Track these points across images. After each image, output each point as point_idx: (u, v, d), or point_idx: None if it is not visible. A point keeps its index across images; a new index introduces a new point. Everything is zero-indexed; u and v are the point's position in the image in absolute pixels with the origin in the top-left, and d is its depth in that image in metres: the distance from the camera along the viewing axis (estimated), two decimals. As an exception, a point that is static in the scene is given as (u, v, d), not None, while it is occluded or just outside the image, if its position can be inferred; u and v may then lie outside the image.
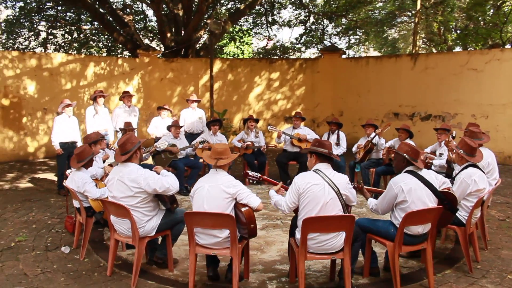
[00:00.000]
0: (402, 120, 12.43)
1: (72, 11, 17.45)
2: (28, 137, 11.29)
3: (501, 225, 6.21)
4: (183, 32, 14.40)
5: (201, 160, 8.49)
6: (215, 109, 12.81)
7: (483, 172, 4.80)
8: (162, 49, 14.33)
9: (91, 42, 19.23)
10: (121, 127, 8.04)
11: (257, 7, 20.13)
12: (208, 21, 14.30)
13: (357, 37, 24.58)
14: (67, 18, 17.98)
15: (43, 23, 18.53)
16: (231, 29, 22.24)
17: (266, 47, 23.29)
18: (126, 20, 16.09)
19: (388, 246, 4.08)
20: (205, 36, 15.43)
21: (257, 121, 9.31)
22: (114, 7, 16.06)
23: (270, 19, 21.04)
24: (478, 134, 5.51)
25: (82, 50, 19.43)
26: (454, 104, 11.42)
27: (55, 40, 19.17)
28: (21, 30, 17.87)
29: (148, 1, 14.85)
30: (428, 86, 11.89)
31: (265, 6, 20.05)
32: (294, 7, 21.11)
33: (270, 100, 13.94)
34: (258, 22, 22.07)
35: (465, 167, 4.74)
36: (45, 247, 5.32)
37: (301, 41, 22.25)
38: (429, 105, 11.93)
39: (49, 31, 18.55)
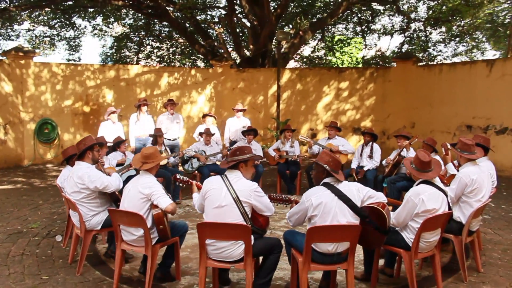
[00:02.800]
0: (475, 133, 11.26)
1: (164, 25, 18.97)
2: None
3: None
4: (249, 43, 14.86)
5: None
6: (283, 118, 13.00)
7: (443, 191, 4.27)
8: (237, 59, 14.96)
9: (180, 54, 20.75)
10: (151, 133, 8.66)
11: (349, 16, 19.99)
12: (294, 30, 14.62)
13: (466, 43, 22.67)
14: (163, 32, 19.59)
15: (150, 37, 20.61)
16: (328, 39, 22.25)
17: (365, 57, 22.72)
18: (216, 32, 17.12)
19: (299, 262, 3.91)
20: (284, 46, 15.64)
21: (293, 131, 9.31)
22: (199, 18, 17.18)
23: (364, 28, 20.53)
24: (471, 147, 4.91)
25: (181, 62, 21.12)
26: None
27: (159, 53, 21.14)
28: (129, 45, 20.08)
29: (223, 15, 15.61)
30: (505, 95, 10.63)
31: (358, 14, 19.67)
32: (390, 15, 20.28)
33: (338, 110, 13.67)
34: (357, 31, 21.68)
35: (418, 184, 4.33)
36: (45, 235, 6.08)
37: (402, 50, 21.23)
38: (505, 117, 10.66)
39: (153, 45, 20.57)
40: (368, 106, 13.50)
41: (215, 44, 16.00)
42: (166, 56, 21.20)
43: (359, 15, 19.75)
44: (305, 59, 23.27)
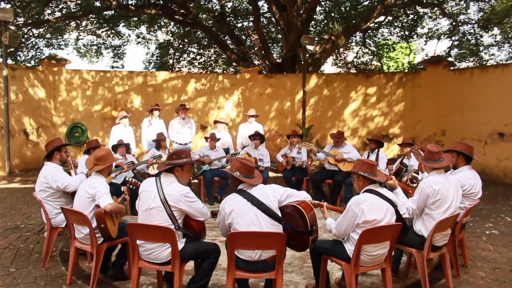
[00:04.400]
0: (508, 142, 10.54)
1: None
2: (132, 144, 13.18)
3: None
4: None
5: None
6: (309, 124, 12.83)
7: (390, 201, 4.02)
8: (265, 65, 14.98)
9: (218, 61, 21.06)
10: (153, 138, 8.84)
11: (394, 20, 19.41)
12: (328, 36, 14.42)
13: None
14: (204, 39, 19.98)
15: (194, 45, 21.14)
16: (372, 44, 21.72)
17: (411, 62, 21.94)
18: (253, 38, 17.27)
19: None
20: (316, 51, 15.46)
21: (301, 137, 9.19)
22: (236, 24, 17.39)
23: (408, 32, 19.83)
24: (435, 155, 4.60)
25: (223, 69, 21.48)
26: None
27: (201, 59, 21.64)
28: (172, 52, 20.69)
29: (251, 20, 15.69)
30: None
31: (400, 18, 19.03)
32: (435, 18, 19.45)
33: (366, 117, 13.29)
34: (403, 35, 20.98)
35: (363, 192, 4.13)
36: (37, 231, 6.42)
37: (451, 55, 20.29)
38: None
39: (195, 52, 21.09)
40: (396, 112, 13.02)
41: (247, 50, 16.12)
42: (208, 63, 21.65)
43: (402, 19, 19.11)
44: (349, 65, 22.88)
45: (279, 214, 3.81)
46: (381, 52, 22.68)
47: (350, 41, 22.08)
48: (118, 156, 7.81)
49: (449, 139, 12.15)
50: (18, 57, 16.97)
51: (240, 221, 3.73)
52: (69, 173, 5.29)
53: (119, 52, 19.99)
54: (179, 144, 9.71)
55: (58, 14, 15.01)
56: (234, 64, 18.16)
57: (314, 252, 4.21)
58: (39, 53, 17.71)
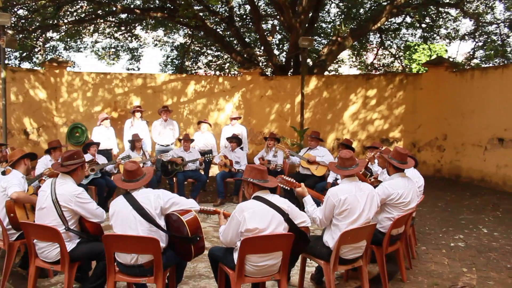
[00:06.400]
0: (507, 147, 9.97)
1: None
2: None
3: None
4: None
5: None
6: (309, 126, 12.57)
7: (280, 209, 3.85)
8: (269, 67, 14.86)
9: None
10: (129, 139, 8.94)
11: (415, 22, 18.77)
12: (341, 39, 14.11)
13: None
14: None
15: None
16: (392, 45, 21.11)
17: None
18: (269, 39, 17.20)
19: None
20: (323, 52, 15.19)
21: (278, 140, 9.05)
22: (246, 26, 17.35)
23: (428, 34, 19.14)
24: (346, 161, 4.37)
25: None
26: None
27: (219, 61, 21.73)
28: (190, 54, 20.92)
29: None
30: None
31: (418, 19, 18.36)
32: (455, 18, 18.66)
33: (366, 120, 12.92)
34: (425, 36, 20.29)
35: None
36: None
37: (475, 55, 19.45)
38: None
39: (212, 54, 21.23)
40: (397, 115, 12.57)
41: (254, 52, 16.05)
42: (224, 65, 21.73)
43: (420, 20, 18.44)
44: (369, 67, 22.34)
45: (159, 220, 3.77)
46: (404, 53, 22.02)
47: (369, 42, 21.68)
48: (88, 156, 7.95)
49: (451, 144, 11.64)
50: (36, 60, 17.64)
51: (118, 223, 3.74)
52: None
53: (136, 54, 20.39)
54: (161, 145, 9.80)
55: (70, 18, 15.48)
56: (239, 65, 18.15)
57: (211, 258, 4.13)
58: (58, 56, 18.34)
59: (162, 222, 3.79)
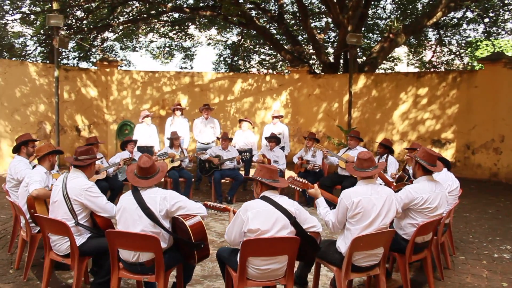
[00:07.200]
0: None
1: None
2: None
3: None
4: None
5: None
6: (357, 126, 12.23)
7: (286, 212, 3.68)
8: (319, 65, 14.57)
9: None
10: (168, 137, 9.04)
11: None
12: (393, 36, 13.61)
13: None
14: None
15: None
16: (450, 42, 20.02)
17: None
18: (318, 38, 16.98)
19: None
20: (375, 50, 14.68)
21: (317, 140, 8.81)
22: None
23: (489, 29, 17.95)
24: (364, 162, 4.11)
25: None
26: None
27: (272, 60, 21.66)
28: (243, 53, 21.00)
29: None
30: None
31: (480, 13, 17.26)
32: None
33: (416, 120, 12.32)
34: (487, 32, 19.09)
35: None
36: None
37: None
38: None
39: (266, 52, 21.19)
40: (450, 115, 11.87)
41: (304, 50, 15.82)
42: (277, 63, 21.62)
43: (482, 14, 17.33)
44: (427, 65, 21.35)
45: (163, 222, 3.73)
46: (465, 50, 20.82)
47: (428, 39, 20.69)
48: (126, 153, 8.13)
49: (509, 146, 10.85)
50: (93, 59, 18.39)
51: (122, 220, 3.75)
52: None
53: (189, 53, 20.75)
54: (201, 143, 9.86)
55: (121, 19, 16.02)
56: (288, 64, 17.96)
57: (219, 259, 4.05)
58: (114, 55, 19.05)
59: (166, 223, 3.75)
